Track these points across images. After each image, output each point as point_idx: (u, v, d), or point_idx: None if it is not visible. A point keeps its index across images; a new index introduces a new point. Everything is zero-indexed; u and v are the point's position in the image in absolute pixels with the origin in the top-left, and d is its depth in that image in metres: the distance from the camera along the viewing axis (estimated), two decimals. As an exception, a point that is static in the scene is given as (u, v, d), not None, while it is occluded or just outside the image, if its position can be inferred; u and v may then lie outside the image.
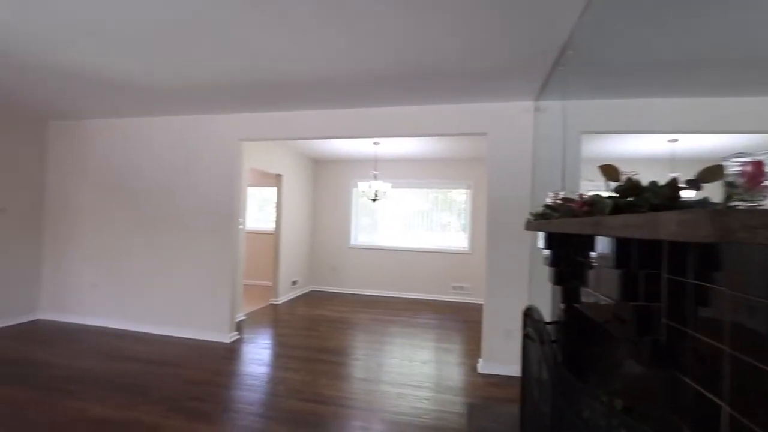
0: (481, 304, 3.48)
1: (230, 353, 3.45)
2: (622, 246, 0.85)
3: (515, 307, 3.09)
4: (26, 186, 4.15)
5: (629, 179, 0.92)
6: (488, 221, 3.23)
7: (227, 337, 3.72)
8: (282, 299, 5.65)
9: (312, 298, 6.05)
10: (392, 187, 5.40)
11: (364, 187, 5.22)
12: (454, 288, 6.09)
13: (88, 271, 4.17)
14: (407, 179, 6.38)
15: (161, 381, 2.79)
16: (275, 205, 5.64)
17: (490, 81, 2.76)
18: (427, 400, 2.66)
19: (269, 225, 6.73)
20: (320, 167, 6.80)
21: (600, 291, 1.12)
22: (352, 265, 6.63)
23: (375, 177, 5.21)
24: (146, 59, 2.54)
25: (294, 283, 6.05)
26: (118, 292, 4.05)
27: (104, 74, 2.82)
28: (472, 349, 3.62)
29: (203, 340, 3.71)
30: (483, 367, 3.18)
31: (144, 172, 4.02)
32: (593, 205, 0.98)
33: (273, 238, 5.69)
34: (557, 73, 2.40)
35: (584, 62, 2.30)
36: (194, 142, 3.87)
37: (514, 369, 3.08)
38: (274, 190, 5.67)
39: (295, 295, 6.06)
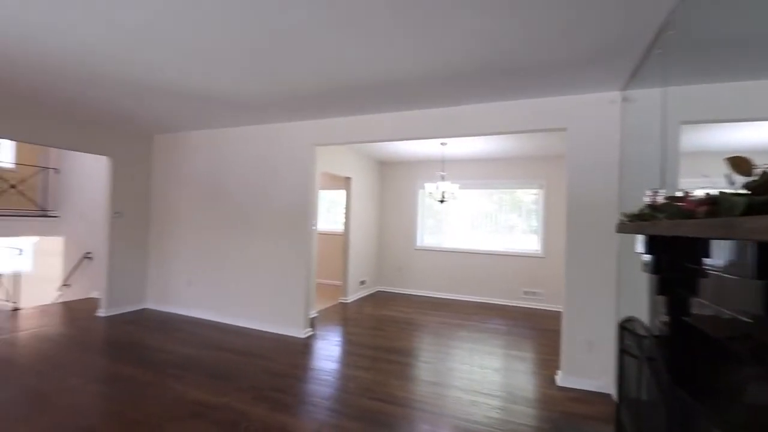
0: (555, 311, 3.26)
1: (305, 348, 3.64)
2: (766, 252, 0.72)
3: (599, 316, 2.84)
4: (137, 193, 4.79)
5: (765, 173, 0.79)
6: (568, 223, 3.00)
7: (302, 333, 3.93)
8: (351, 298, 5.82)
9: (379, 298, 6.15)
10: (459, 188, 5.28)
11: (431, 189, 5.18)
12: (526, 293, 5.77)
13: (184, 268, 4.69)
14: (474, 179, 6.21)
15: (248, 371, 3.03)
16: (344, 206, 5.84)
17: (570, 72, 2.56)
18: (501, 410, 2.55)
19: (336, 226, 6.99)
20: (386, 169, 6.90)
21: (723, 304, 0.97)
22: (418, 266, 6.61)
23: (442, 178, 5.14)
24: (237, 76, 2.78)
25: (362, 283, 6.21)
26: (210, 288, 4.50)
27: (201, 90, 3.15)
28: (548, 359, 3.39)
29: (282, 335, 3.96)
30: (562, 379, 2.96)
31: (231, 179, 4.42)
32: (716, 204, 0.85)
33: (341, 239, 5.89)
34: (653, 58, 2.15)
35: (686, 43, 2.04)
36: (274, 149, 4.16)
37: (598, 384, 2.83)
38: (342, 192, 5.88)
39: (363, 295, 6.21)
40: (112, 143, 4.48)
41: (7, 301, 4.75)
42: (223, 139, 4.50)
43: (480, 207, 6.40)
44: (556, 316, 3.05)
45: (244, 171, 4.35)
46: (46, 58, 2.53)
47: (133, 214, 4.75)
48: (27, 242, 6.84)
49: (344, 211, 5.83)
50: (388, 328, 4.41)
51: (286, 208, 4.06)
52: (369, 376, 3.02)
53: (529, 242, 6.01)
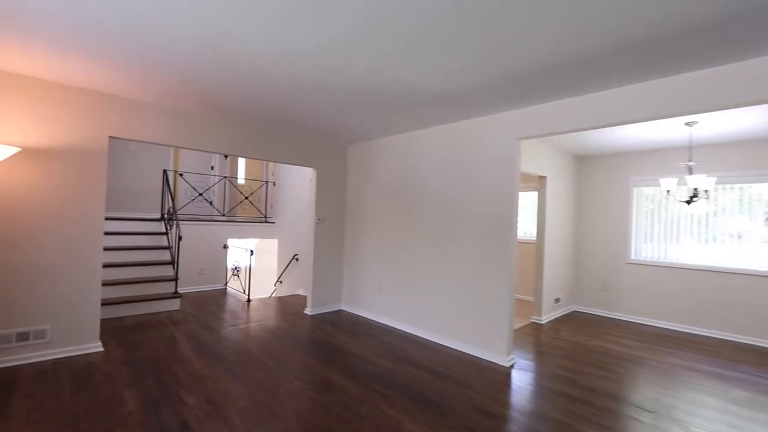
0: None
1: (513, 382, 3.06)
2: None
3: None
4: (335, 201, 5.15)
5: None
6: None
7: (505, 360, 3.36)
8: (545, 318, 4.95)
9: (577, 320, 5.06)
10: (716, 182, 3.80)
11: (667, 185, 3.87)
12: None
13: (375, 274, 4.76)
14: (733, 171, 4.45)
15: (456, 404, 2.64)
16: (537, 210, 5.02)
17: None
18: None
19: (525, 234, 6.17)
20: (585, 164, 5.71)
21: None
22: (631, 285, 5.20)
23: (689, 170, 3.79)
24: (446, 63, 2.44)
25: (557, 300, 5.24)
26: (400, 296, 4.41)
27: (392, 91, 2.97)
28: None
29: (478, 358, 3.50)
30: None
31: (419, 184, 4.23)
32: None
33: (533, 248, 5.09)
34: None
35: None
36: (468, 148, 3.75)
37: None
38: (532, 194, 5.06)
39: (557, 315, 5.24)
40: (317, 155, 4.90)
41: (243, 292, 5.74)
42: (410, 144, 4.36)
43: (725, 208, 4.56)
44: None
45: (434, 175, 4.08)
46: (263, 80, 2.71)
47: (332, 220, 5.11)
48: (252, 243, 8.46)
49: (537, 215, 5.00)
50: (611, 367, 3.41)
51: (484, 215, 3.58)
52: (617, 442, 2.22)
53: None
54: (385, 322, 4.56)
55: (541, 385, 3.00)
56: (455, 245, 3.82)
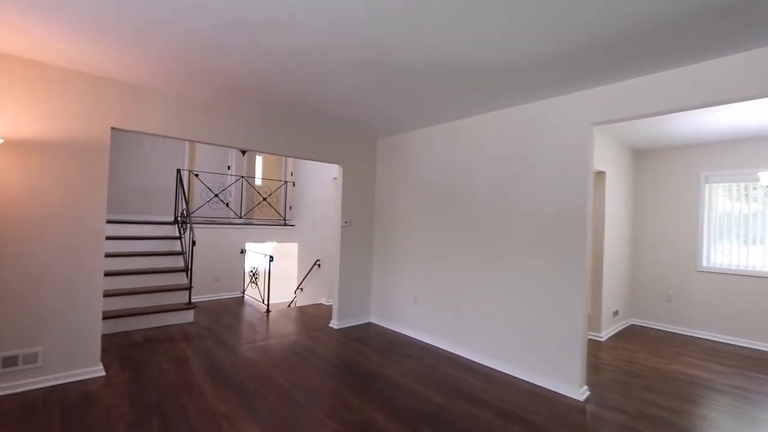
0: None
1: (592, 422, 2.46)
2: None
3: None
4: (362, 202, 4.62)
5: None
6: None
7: (578, 392, 2.76)
8: (604, 334, 4.31)
9: (639, 336, 4.40)
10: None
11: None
12: None
13: (409, 284, 4.21)
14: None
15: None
16: (593, 210, 4.38)
17: None
18: None
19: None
20: (644, 158, 5.04)
21: None
22: (704, 296, 4.51)
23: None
24: (503, 29, 1.88)
25: (615, 313, 4.59)
26: (440, 310, 3.84)
27: (450, 65, 2.42)
28: None
29: (545, 389, 2.90)
30: None
31: (465, 180, 3.66)
32: None
33: (591, 253, 4.44)
34: None
35: None
36: (528, 137, 3.16)
37: None
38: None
39: (616, 330, 4.59)
40: (343, 151, 4.39)
41: (262, 301, 5.28)
42: (455, 135, 3.79)
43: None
44: None
45: (484, 170, 3.51)
46: (276, 65, 2.20)
47: (359, 223, 4.59)
48: (270, 247, 8.02)
49: (594, 216, 4.37)
50: (712, 404, 2.77)
51: (548, 216, 2.99)
52: None
53: None
54: (421, 339, 4.00)
55: (630, 429, 2.39)
56: (512, 252, 3.24)
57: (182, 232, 5.16)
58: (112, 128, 2.91)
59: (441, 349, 3.76)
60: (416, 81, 2.70)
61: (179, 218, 5.32)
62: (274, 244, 7.46)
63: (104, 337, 3.75)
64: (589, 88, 2.75)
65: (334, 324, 4.40)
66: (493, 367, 3.31)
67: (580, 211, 2.81)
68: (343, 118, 3.76)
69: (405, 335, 4.17)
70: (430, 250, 3.98)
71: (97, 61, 2.56)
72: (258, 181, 7.63)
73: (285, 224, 6.59)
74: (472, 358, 3.48)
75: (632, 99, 2.56)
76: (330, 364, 3.29)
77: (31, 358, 2.59)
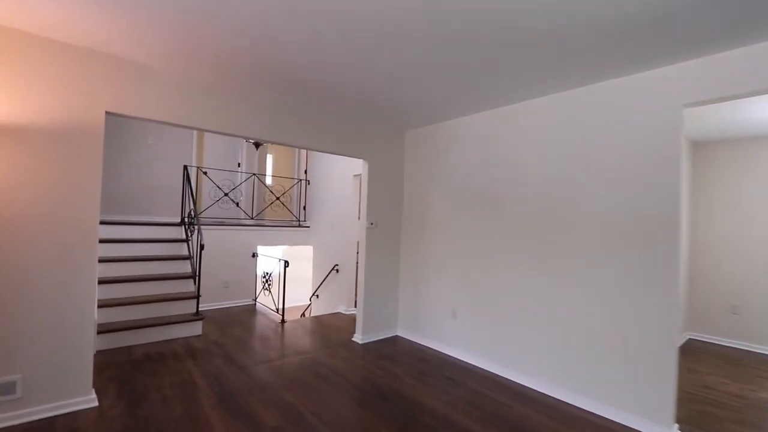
0: None
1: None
2: None
3: None
4: (388, 202, 4.14)
5: None
6: None
7: (669, 434, 2.25)
8: (666, 353, 3.77)
9: (704, 354, 3.86)
10: None
11: None
12: None
13: (444, 294, 3.71)
14: None
15: None
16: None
17: None
18: None
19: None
20: (704, 152, 4.50)
21: None
22: (776, 308, 3.96)
23: None
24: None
25: (674, 327, 4.05)
26: (483, 325, 3.34)
27: (518, 29, 1.93)
28: None
29: (623, 425, 2.39)
30: None
31: (515, 175, 3.16)
32: None
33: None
34: None
35: None
36: (599, 123, 2.65)
37: None
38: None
39: (676, 346, 4.04)
40: (368, 143, 3.91)
41: (276, 310, 4.82)
42: (501, 123, 3.30)
43: None
44: None
45: (534, 168, 3.01)
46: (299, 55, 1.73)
47: (385, 225, 4.11)
48: (282, 250, 7.58)
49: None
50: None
51: (626, 216, 2.48)
52: None
53: None
54: (459, 357, 3.51)
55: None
56: (577, 258, 2.73)
57: (189, 234, 4.73)
58: (106, 113, 2.47)
59: (484, 369, 3.27)
60: (476, 51, 2.21)
61: (186, 219, 4.88)
62: (287, 247, 7.02)
63: (99, 354, 3.31)
64: (683, 61, 2.24)
65: (357, 338, 3.93)
66: (550, 394, 2.81)
67: (670, 210, 2.30)
68: (371, 104, 3.29)
69: (440, 352, 3.68)
70: (471, 255, 3.48)
71: (82, 30, 2.12)
72: (268, 180, 7.19)
73: (299, 225, 6.13)
74: (523, 383, 2.98)
75: (739, 72, 2.05)
76: (360, 390, 2.81)
77: (7, 389, 2.15)
